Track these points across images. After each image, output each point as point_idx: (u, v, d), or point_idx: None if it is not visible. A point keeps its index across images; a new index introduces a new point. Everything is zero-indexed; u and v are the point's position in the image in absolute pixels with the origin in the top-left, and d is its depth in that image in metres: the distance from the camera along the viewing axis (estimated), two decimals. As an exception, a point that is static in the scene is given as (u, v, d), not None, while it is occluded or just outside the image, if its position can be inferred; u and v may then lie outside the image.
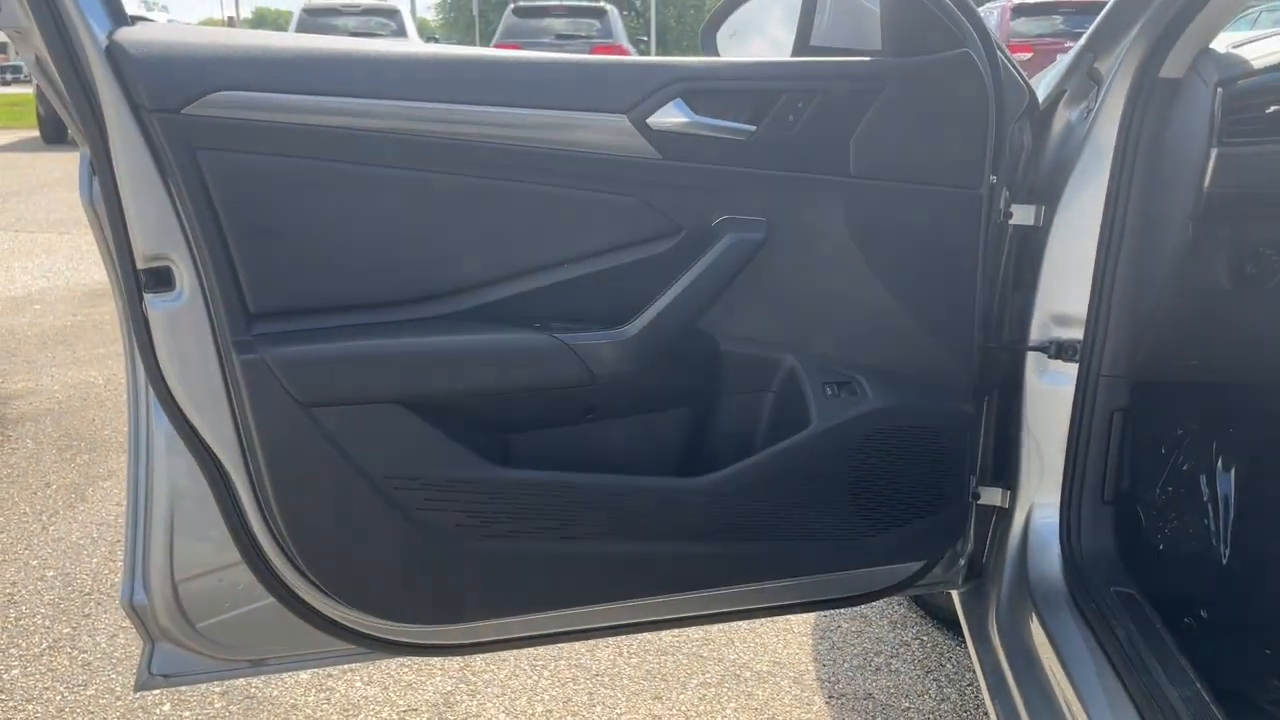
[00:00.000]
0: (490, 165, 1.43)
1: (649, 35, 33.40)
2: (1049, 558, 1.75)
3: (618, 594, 1.61)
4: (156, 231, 1.32)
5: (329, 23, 14.78)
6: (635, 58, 1.56)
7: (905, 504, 1.67)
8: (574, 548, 1.53)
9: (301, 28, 14.53)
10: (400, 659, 2.33)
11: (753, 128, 1.50)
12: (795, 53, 1.72)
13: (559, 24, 15.29)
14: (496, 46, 14.59)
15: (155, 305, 1.35)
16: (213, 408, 1.39)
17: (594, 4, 16.14)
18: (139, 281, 1.34)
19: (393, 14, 15.41)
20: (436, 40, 27.13)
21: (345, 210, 1.38)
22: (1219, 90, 1.56)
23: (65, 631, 2.54)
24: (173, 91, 1.28)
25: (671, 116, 1.46)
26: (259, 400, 1.36)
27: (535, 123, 1.43)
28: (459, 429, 1.46)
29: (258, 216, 1.34)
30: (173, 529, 1.48)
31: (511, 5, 15.99)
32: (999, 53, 1.57)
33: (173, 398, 1.39)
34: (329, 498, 1.43)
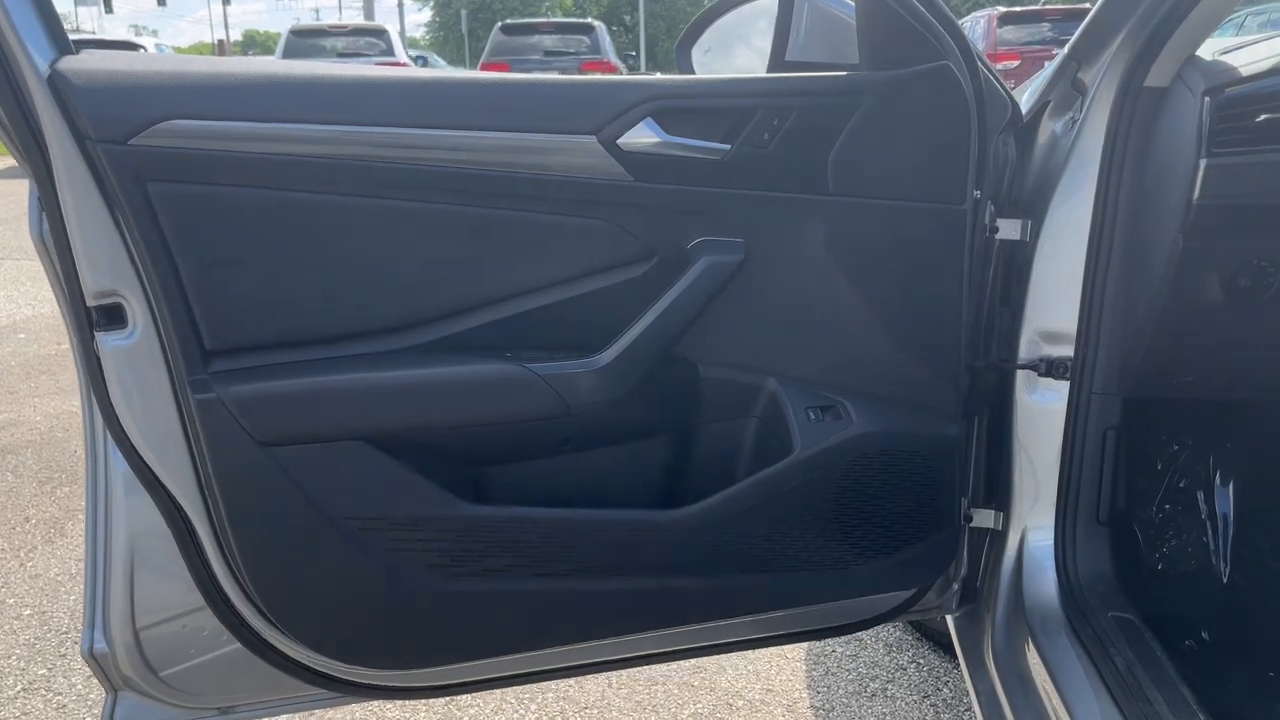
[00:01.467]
0: (456, 191, 1.38)
1: (638, 50, 33.48)
2: (1044, 581, 1.70)
3: (596, 632, 1.56)
4: (106, 267, 1.28)
5: (317, 44, 14.82)
6: (604, 76, 1.52)
7: (895, 531, 1.62)
8: (551, 585, 1.47)
9: (289, 49, 14.55)
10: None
11: (727, 146, 1.46)
12: (771, 69, 1.68)
13: (547, 41, 15.35)
14: (485, 65, 14.66)
15: (107, 343, 1.31)
16: (170, 449, 1.35)
17: (582, 20, 16.17)
18: (90, 319, 1.30)
19: (380, 34, 15.47)
20: (425, 61, 27.15)
21: (304, 241, 1.34)
22: (1206, 99, 1.51)
23: (40, 673, 2.48)
24: (118, 121, 1.23)
25: (643, 137, 1.42)
26: (216, 441, 1.31)
27: (502, 146, 1.39)
28: (428, 465, 1.41)
29: (212, 250, 1.30)
30: (133, 574, 1.43)
31: (499, 23, 16.05)
32: (979, 64, 1.53)
33: (128, 439, 1.34)
34: (293, 540, 1.38)
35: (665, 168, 1.44)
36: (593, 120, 1.40)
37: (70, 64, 1.23)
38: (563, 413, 1.43)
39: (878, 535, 1.61)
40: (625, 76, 1.50)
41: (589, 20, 16.20)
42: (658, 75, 1.57)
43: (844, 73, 1.55)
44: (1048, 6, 14.15)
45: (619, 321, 1.47)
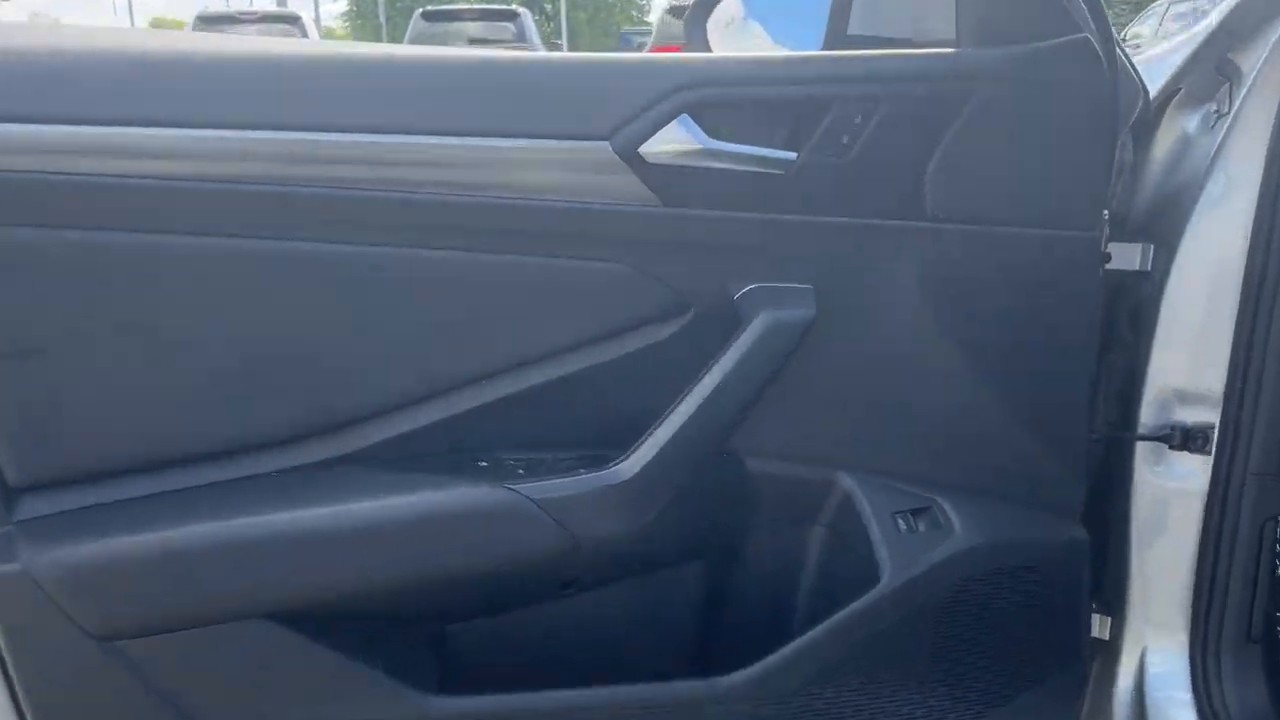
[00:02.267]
0: (400, 226, 1.06)
1: (561, 39, 33.41)
2: (1178, 715, 1.36)
3: None
4: None
5: (225, 31, 14.48)
6: (620, 55, 1.14)
7: (1007, 674, 1.27)
8: None
9: (194, 38, 14.13)
10: None
11: (793, 156, 1.12)
12: (828, 45, 1.36)
13: (471, 28, 15.13)
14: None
15: None
16: None
17: (506, 6, 15.96)
18: None
19: (294, 21, 15.33)
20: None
21: (163, 310, 0.99)
22: None
23: None
24: None
25: (675, 142, 1.09)
26: (26, 635, 0.92)
27: (469, 158, 1.07)
28: (365, 643, 1.02)
29: (13, 329, 0.94)
30: None
31: (420, 10, 15.80)
32: (1115, 40, 1.20)
33: None
34: None
35: (706, 186, 1.12)
36: (604, 119, 1.08)
37: None
38: (568, 550, 1.05)
39: (986, 684, 1.27)
40: (649, 55, 1.15)
41: (514, 7, 15.95)
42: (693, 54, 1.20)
43: (946, 50, 1.19)
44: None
45: (643, 405, 1.12)
